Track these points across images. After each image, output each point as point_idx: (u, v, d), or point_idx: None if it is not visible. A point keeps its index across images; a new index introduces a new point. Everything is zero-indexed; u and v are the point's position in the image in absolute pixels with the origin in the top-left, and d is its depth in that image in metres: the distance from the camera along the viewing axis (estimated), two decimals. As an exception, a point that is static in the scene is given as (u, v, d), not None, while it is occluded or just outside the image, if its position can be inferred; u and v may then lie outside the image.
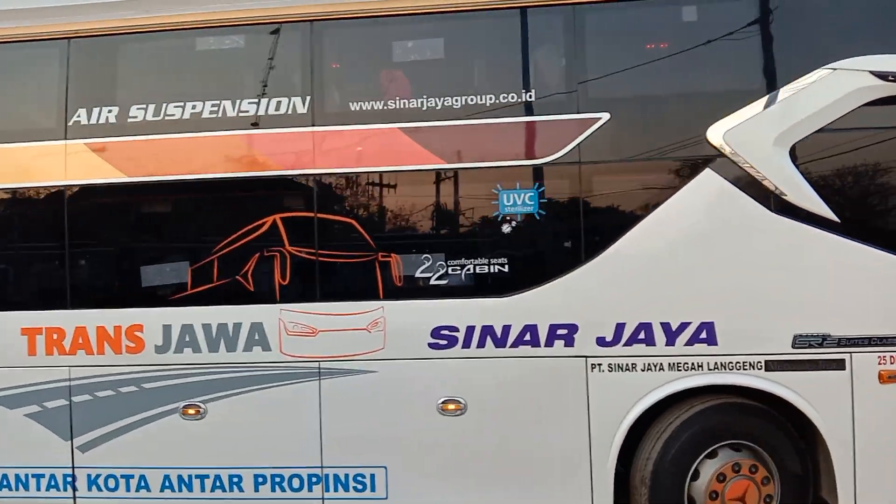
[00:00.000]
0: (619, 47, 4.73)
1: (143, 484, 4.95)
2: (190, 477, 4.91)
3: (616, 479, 4.64)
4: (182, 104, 4.94)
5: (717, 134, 4.51)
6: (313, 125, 4.85)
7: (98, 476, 4.98)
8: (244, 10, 4.95)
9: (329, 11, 4.88)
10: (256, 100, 4.90)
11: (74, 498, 5.01)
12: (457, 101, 4.76)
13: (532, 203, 4.68)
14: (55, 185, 5.04)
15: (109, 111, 5.00)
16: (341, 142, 4.84)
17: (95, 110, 5.01)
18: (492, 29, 4.84)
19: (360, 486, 4.80)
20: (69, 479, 5.00)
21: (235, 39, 5.02)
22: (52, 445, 5.01)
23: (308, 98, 4.86)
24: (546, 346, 4.65)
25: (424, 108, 4.78)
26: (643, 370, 4.60)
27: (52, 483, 5.02)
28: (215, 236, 4.94)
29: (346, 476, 4.81)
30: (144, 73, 5.11)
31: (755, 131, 4.47)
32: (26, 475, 5.04)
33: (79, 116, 5.02)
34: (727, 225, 4.52)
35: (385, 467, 4.78)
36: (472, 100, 4.75)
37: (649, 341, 4.58)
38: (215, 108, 4.93)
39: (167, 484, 4.93)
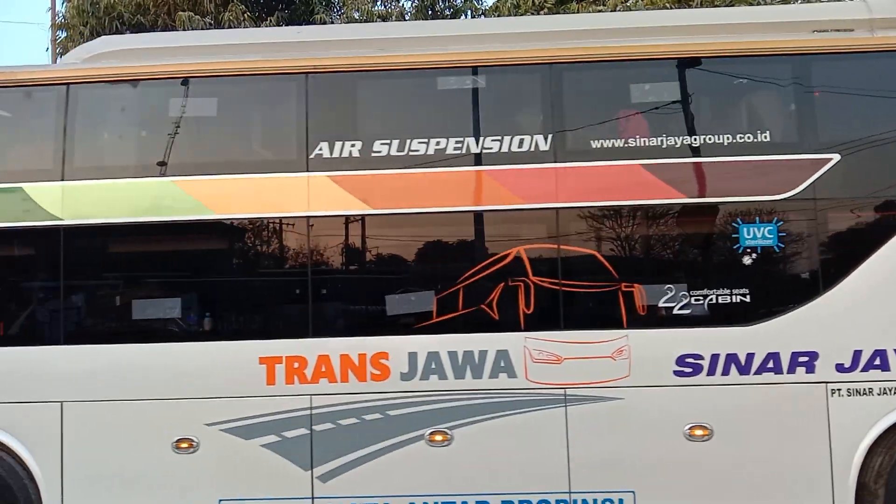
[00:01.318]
0: (845, 95, 5.10)
1: (389, 513, 4.97)
2: (436, 504, 4.96)
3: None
4: (426, 140, 5.12)
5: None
6: (555, 161, 5.08)
7: (337, 507, 4.99)
8: (483, 52, 5.20)
9: (568, 55, 5.16)
10: (499, 137, 5.12)
11: (314, 528, 4.99)
12: (695, 139, 5.06)
13: (771, 236, 4.97)
14: (298, 216, 5.12)
15: (352, 145, 5.14)
16: (583, 177, 5.08)
17: (337, 144, 5.15)
18: (727, 75, 5.17)
19: (607, 511, 4.91)
20: (307, 511, 4.99)
21: (476, 80, 5.23)
22: (291, 476, 4.99)
23: (550, 136, 5.10)
24: (788, 372, 4.88)
25: (664, 145, 5.06)
26: (879, 394, 4.87)
27: (286, 516, 4.99)
28: (460, 266, 5.09)
29: (595, 501, 4.92)
30: (386, 109, 5.29)
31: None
32: (263, 507, 5.01)
33: (320, 150, 5.15)
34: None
35: (633, 492, 4.91)
36: (709, 139, 5.05)
37: (884, 367, 4.86)
38: (459, 145, 5.12)
39: (413, 513, 4.96)
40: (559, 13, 11.35)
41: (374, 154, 5.14)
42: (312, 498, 4.99)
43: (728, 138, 5.05)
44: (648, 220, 5.09)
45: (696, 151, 5.05)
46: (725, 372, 4.90)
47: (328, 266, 5.17)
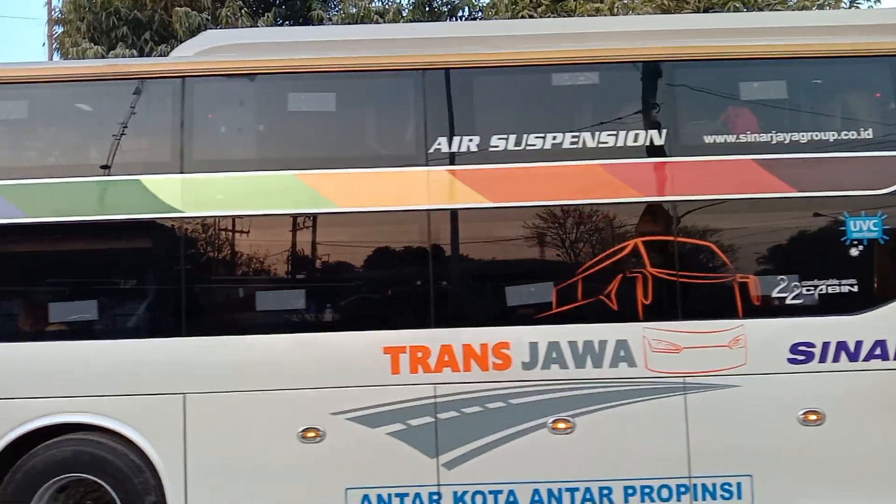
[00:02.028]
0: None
1: (511, 499, 5.07)
2: (560, 490, 5.07)
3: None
4: (543, 135, 5.24)
5: None
6: (670, 156, 5.23)
7: (465, 493, 5.07)
8: (597, 49, 5.34)
9: (681, 53, 5.32)
10: (614, 132, 5.26)
11: (440, 516, 5.08)
12: (803, 136, 5.25)
13: (876, 229, 5.17)
14: (419, 209, 5.21)
15: (470, 140, 5.25)
16: (697, 171, 5.24)
17: (455, 139, 5.25)
18: (831, 75, 5.38)
19: (726, 495, 5.07)
20: (435, 496, 5.07)
21: (589, 76, 5.37)
22: (417, 463, 5.07)
23: (664, 131, 5.25)
24: (895, 359, 5.09)
25: (773, 141, 5.25)
26: (980, 379, 5.09)
27: (417, 501, 5.07)
28: (578, 258, 5.23)
29: (714, 485, 5.08)
30: (502, 104, 5.40)
31: None
32: (389, 495, 5.08)
33: (439, 144, 5.24)
34: None
35: (751, 476, 5.07)
36: (816, 136, 5.25)
37: None
38: (575, 140, 5.25)
39: (536, 498, 5.07)
40: (556, 11, 11.57)
41: (492, 148, 5.25)
42: (438, 485, 5.07)
43: (833, 135, 5.24)
44: (760, 213, 5.25)
45: (804, 147, 5.23)
46: (836, 359, 5.09)
47: (448, 258, 5.25)
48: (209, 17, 12.59)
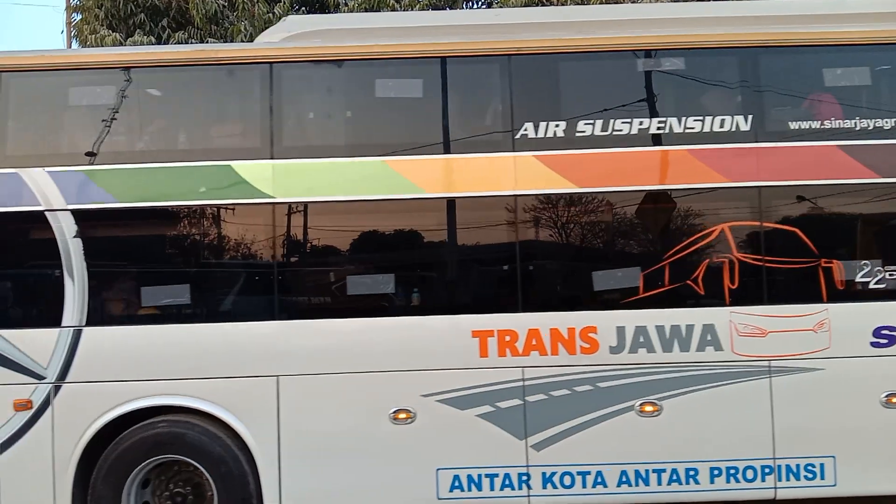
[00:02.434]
0: None
1: (599, 480, 5.17)
2: (647, 472, 5.17)
3: None
4: (629, 120, 5.28)
5: None
6: (756, 141, 5.27)
7: (553, 474, 5.17)
8: (683, 35, 5.36)
9: (765, 39, 5.33)
10: (701, 117, 5.29)
11: (529, 497, 5.17)
12: (886, 122, 5.28)
13: (957, 215, 5.22)
14: (506, 195, 5.25)
15: (557, 125, 5.29)
16: (782, 157, 5.27)
17: (542, 125, 5.28)
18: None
19: (810, 475, 5.16)
20: (524, 477, 5.17)
21: (675, 62, 5.38)
22: (506, 445, 5.17)
23: (750, 117, 5.28)
24: (976, 341, 5.16)
25: (857, 127, 5.28)
26: None
27: (507, 482, 5.17)
28: (665, 243, 5.29)
29: (798, 466, 5.17)
30: (588, 90, 5.42)
31: None
32: (479, 475, 5.18)
33: (525, 130, 5.28)
34: None
35: (833, 457, 5.16)
36: (899, 121, 5.28)
37: None
38: (662, 125, 5.29)
39: (624, 479, 5.16)
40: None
41: (578, 134, 5.28)
42: (527, 466, 5.17)
43: (916, 120, 5.27)
44: (844, 199, 5.29)
45: (888, 133, 5.26)
46: (919, 342, 5.16)
47: (536, 243, 5.31)
48: (225, 4, 12.56)
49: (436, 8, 13.38)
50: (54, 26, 31.26)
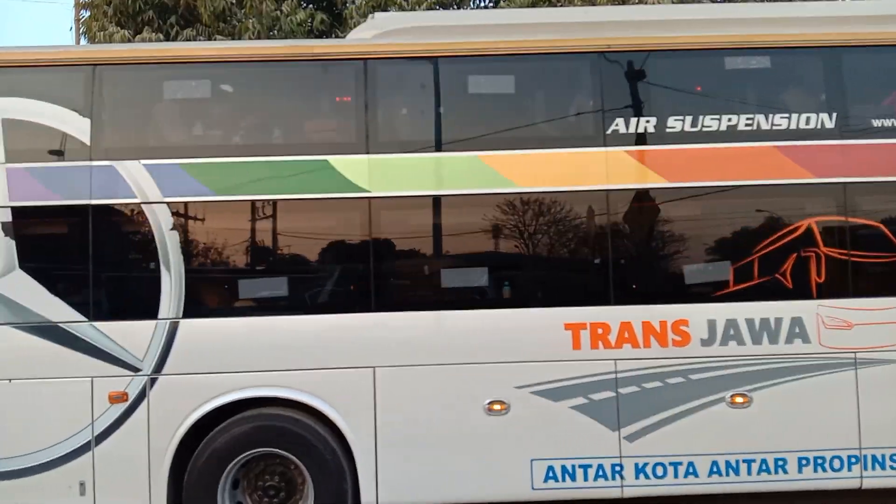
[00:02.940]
0: None
1: (691, 470, 5.25)
2: (737, 462, 5.26)
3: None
4: (718, 117, 5.38)
5: None
6: (840, 138, 5.38)
7: (646, 464, 5.25)
8: (768, 35, 5.47)
9: (847, 39, 5.45)
10: (787, 115, 5.40)
11: (622, 487, 5.25)
12: (968, 120, 5.41)
13: None
14: (597, 189, 5.34)
15: (647, 121, 5.38)
16: (866, 154, 5.39)
17: (633, 120, 5.38)
18: None
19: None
20: (617, 468, 5.24)
21: (761, 60, 5.49)
22: (599, 436, 5.24)
23: (834, 114, 5.40)
24: None
25: (940, 125, 5.41)
26: None
27: (600, 473, 5.24)
28: (754, 238, 5.38)
29: (883, 456, 5.27)
30: (678, 87, 5.51)
31: None
32: (573, 466, 5.25)
33: (616, 125, 5.37)
34: None
35: (919, 447, 5.28)
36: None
37: None
38: (750, 122, 5.39)
39: (715, 469, 5.25)
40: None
41: (668, 130, 5.38)
42: (620, 457, 5.24)
43: None
44: (928, 195, 5.41)
45: (973, 130, 5.39)
46: None
47: (626, 237, 5.41)
48: (234, 2, 12.58)
49: (444, 7, 13.49)
50: (63, 23, 31.27)
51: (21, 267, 5.24)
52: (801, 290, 5.32)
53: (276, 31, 11.92)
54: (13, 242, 5.24)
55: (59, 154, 5.35)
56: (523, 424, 5.23)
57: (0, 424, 5.16)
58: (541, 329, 5.27)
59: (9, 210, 5.26)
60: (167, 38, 12.63)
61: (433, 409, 5.23)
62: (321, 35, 12.20)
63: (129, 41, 11.76)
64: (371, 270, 5.27)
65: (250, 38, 11.40)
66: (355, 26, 11.34)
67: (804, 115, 5.40)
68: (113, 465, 5.16)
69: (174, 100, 5.46)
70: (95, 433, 5.17)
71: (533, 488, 5.23)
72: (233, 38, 11.98)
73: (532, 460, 5.24)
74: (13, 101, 5.36)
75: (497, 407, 5.23)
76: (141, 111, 5.49)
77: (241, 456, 5.21)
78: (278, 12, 12.06)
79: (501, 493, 5.26)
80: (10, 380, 5.19)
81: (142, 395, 5.19)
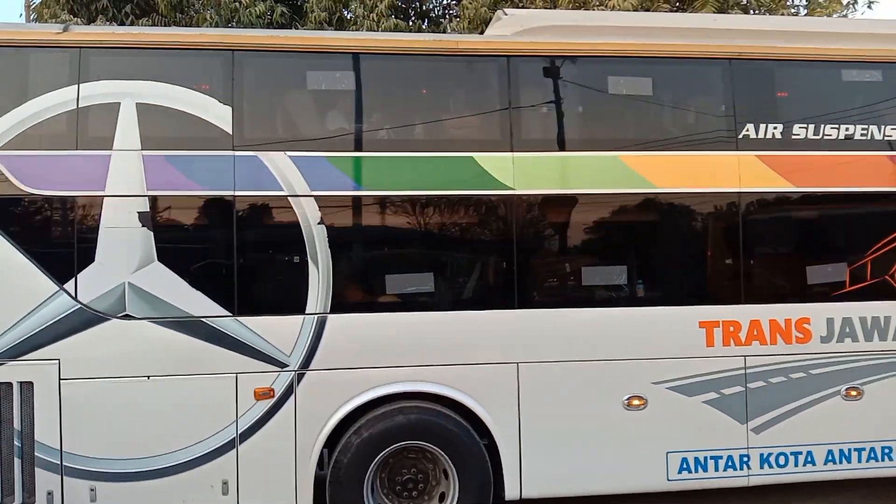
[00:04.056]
0: None
1: (809, 459, 5.59)
2: (850, 450, 5.63)
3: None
4: (837, 126, 5.68)
5: None
6: (950, 150, 5.79)
7: (770, 454, 5.55)
8: (879, 49, 5.80)
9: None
10: (896, 126, 5.77)
11: (749, 476, 5.54)
12: None
13: None
14: (731, 192, 5.56)
15: (774, 128, 5.63)
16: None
17: (762, 126, 5.62)
18: None
19: None
20: (745, 458, 5.53)
21: (874, 73, 5.82)
22: (729, 429, 5.51)
23: (942, 126, 5.80)
24: None
25: None
26: None
27: (730, 463, 5.51)
28: (866, 242, 5.73)
29: (979, 443, 5.76)
30: (802, 95, 5.77)
31: None
32: (705, 458, 5.50)
33: (747, 130, 5.60)
34: None
35: None
36: None
37: None
38: (864, 132, 5.72)
39: (830, 458, 5.61)
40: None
41: (793, 136, 5.65)
42: (748, 448, 5.53)
43: None
44: None
45: None
46: None
47: (756, 237, 5.65)
48: None
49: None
50: (13, 9, 28.93)
51: (159, 259, 5.04)
52: (908, 291, 5.73)
53: (234, 24, 11.52)
54: (151, 234, 5.03)
55: (198, 142, 5.15)
56: (660, 419, 5.43)
57: (139, 423, 4.98)
58: (676, 327, 5.47)
59: (146, 199, 5.04)
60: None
61: (574, 404, 5.36)
62: (282, 28, 11.81)
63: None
64: (514, 267, 5.33)
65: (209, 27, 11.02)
66: (316, 20, 11.39)
67: (912, 127, 5.78)
68: (257, 463, 5.07)
69: (317, 90, 5.33)
70: (240, 430, 5.06)
71: (668, 479, 5.46)
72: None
73: (668, 453, 5.45)
74: (147, 84, 5.11)
75: (636, 402, 5.41)
76: (283, 99, 5.34)
77: (388, 449, 5.20)
78: (237, 4, 11.68)
79: (638, 485, 5.47)
80: (148, 377, 5.00)
81: (289, 391, 5.10)
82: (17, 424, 4.92)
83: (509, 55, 5.41)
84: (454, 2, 14.21)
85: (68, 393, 4.93)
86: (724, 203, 5.59)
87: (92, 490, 4.94)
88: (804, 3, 12.43)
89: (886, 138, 5.76)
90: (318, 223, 5.14)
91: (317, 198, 5.15)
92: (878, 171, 5.74)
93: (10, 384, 4.91)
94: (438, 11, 14.61)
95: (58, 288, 4.94)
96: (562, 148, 5.47)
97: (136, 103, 5.06)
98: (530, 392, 5.32)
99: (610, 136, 5.54)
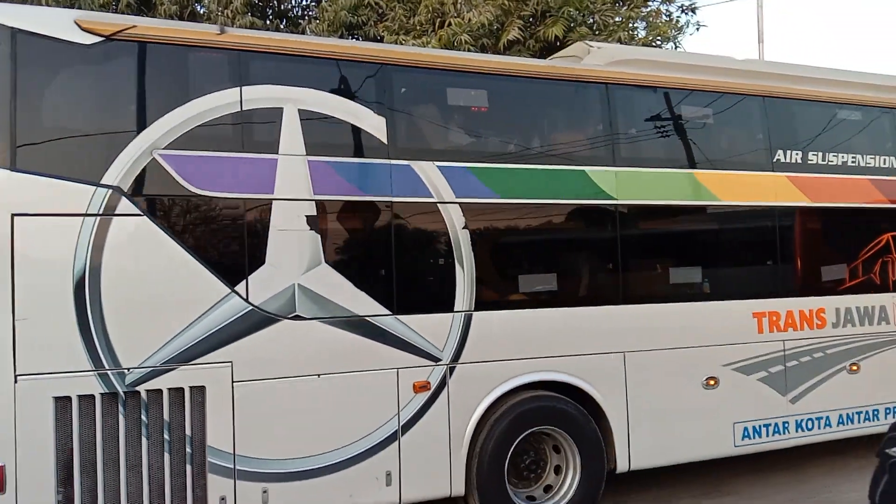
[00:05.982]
0: None
1: (827, 421, 6.89)
2: (856, 413, 7.01)
3: None
4: (836, 154, 7.13)
5: None
6: (918, 175, 7.43)
7: (801, 420, 6.78)
8: (861, 95, 7.35)
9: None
10: (876, 155, 7.31)
11: (788, 439, 6.71)
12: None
13: None
14: (767, 205, 6.77)
15: (796, 154, 6.94)
16: (918, 186, 7.49)
17: (788, 152, 6.90)
18: None
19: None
20: (785, 424, 6.70)
21: (855, 114, 7.34)
22: (774, 401, 6.66)
23: (896, 158, 7.45)
24: None
25: None
26: None
27: (776, 429, 6.65)
28: (857, 247, 7.19)
29: (931, 402, 7.39)
30: (808, 128, 7.11)
31: None
32: (760, 425, 6.59)
33: (778, 155, 6.85)
34: None
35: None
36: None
37: None
38: (854, 160, 7.22)
39: (840, 420, 6.95)
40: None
41: (808, 162, 6.99)
42: (786, 416, 6.70)
43: None
44: None
45: None
46: None
47: (787, 243, 6.89)
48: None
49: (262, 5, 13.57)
50: None
51: (326, 261, 5.21)
52: (885, 286, 7.25)
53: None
54: (318, 237, 5.19)
55: (356, 150, 5.39)
56: (728, 395, 6.44)
57: (309, 421, 5.10)
58: (738, 317, 6.54)
59: (314, 203, 5.19)
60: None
61: (667, 386, 6.22)
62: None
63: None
64: (619, 267, 6.11)
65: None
66: (166, 13, 11.06)
67: (885, 157, 7.36)
68: (417, 452, 5.36)
69: (456, 105, 5.78)
70: (401, 422, 5.33)
71: (735, 445, 6.48)
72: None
73: (734, 423, 6.48)
74: (307, 91, 5.27)
75: (711, 382, 6.38)
76: (428, 113, 5.71)
77: (525, 433, 5.70)
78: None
79: (713, 452, 6.44)
80: (318, 374, 5.14)
81: (442, 384, 5.46)
82: (188, 430, 4.83)
83: (607, 83, 6.22)
84: (313, 3, 14.43)
85: (241, 395, 4.94)
86: (762, 214, 6.79)
87: (265, 492, 4.96)
88: (643, 25, 14.41)
89: (867, 164, 7.28)
90: (463, 228, 5.57)
91: (461, 204, 5.59)
92: (861, 191, 7.24)
93: (180, 389, 4.82)
94: (297, 12, 14.79)
95: (229, 290, 4.95)
96: (649, 164, 6.35)
97: (298, 109, 5.21)
98: (634, 377, 6.09)
99: (683, 156, 6.52)
